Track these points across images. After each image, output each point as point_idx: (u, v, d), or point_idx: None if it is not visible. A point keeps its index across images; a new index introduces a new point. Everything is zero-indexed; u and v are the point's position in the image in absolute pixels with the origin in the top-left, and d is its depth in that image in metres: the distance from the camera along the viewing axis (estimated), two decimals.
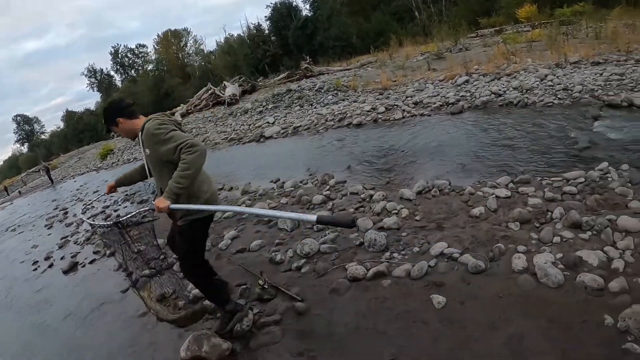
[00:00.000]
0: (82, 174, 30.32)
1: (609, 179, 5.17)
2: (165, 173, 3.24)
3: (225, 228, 6.76)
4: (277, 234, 5.81)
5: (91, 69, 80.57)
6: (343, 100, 14.98)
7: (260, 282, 4.43)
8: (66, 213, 15.70)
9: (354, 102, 14.11)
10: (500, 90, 10.45)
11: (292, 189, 7.55)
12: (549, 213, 4.53)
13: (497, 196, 5.14)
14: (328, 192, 6.81)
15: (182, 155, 3.02)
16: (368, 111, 12.19)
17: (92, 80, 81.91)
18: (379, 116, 11.47)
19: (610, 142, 6.55)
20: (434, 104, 11.12)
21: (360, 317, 3.64)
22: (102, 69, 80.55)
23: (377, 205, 5.56)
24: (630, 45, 11.71)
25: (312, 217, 2.59)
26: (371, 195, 6.05)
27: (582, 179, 5.23)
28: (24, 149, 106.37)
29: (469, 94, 11.06)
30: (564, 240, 4.02)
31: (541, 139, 7.11)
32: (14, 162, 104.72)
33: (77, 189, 21.64)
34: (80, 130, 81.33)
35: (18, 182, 59.06)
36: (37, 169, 56.73)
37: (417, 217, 5.07)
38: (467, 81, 12.24)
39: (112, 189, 4.06)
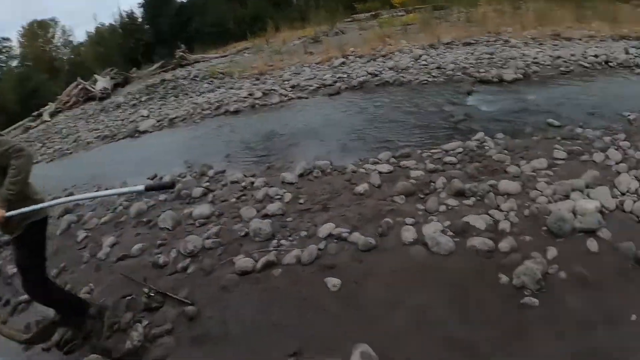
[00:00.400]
0: None
1: (486, 148, 5.56)
2: None
3: (103, 235, 6.11)
4: (159, 234, 5.39)
5: None
6: (219, 87, 14.41)
7: (145, 290, 4.10)
8: None
9: (231, 89, 13.62)
10: (376, 70, 10.75)
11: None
12: (432, 184, 4.75)
13: (379, 172, 5.26)
14: (207, 183, 6.49)
15: (12, 161, 2.94)
16: (245, 97, 11.83)
17: None
18: (257, 102, 11.17)
19: (484, 114, 7.06)
20: (312, 86, 11.10)
21: (255, 312, 3.52)
22: None
23: (259, 193, 5.40)
24: (499, 27, 12.66)
25: (140, 187, 2.90)
26: (252, 183, 5.87)
27: (461, 149, 5.55)
28: None
29: (345, 76, 11.23)
30: (450, 208, 4.21)
31: (418, 114, 7.46)
32: None
33: None
34: None
35: None
36: None
37: (301, 201, 5.00)
38: (343, 63, 12.44)
39: None
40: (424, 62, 10.60)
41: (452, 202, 4.29)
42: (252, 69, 15.38)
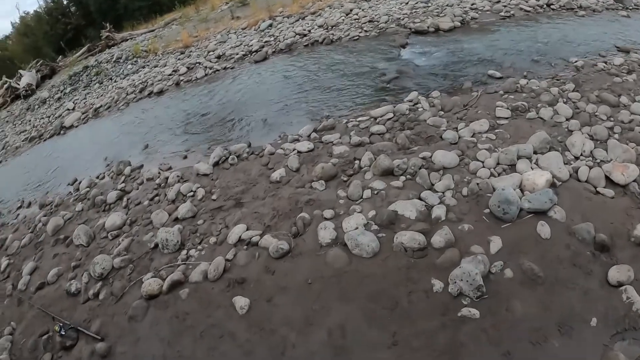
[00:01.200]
0: None
1: (420, 110, 4.93)
2: None
3: (24, 260, 5.59)
4: (74, 252, 4.91)
5: None
6: (144, 67, 13.24)
7: (56, 328, 3.69)
8: None
9: (155, 67, 12.55)
10: (304, 30, 9.92)
11: (88, 189, 6.45)
12: (357, 162, 4.19)
13: (298, 151, 4.71)
14: (123, 184, 5.89)
15: None
16: (169, 75, 10.88)
17: None
18: (181, 78, 10.26)
19: (418, 70, 6.43)
20: (237, 54, 10.23)
21: (165, 346, 3.12)
22: None
23: (172, 191, 4.87)
24: None
25: None
26: (167, 179, 5.30)
27: (391, 114, 4.94)
28: None
29: (273, 39, 10.35)
30: (376, 193, 3.66)
31: (347, 76, 6.78)
32: None
33: None
34: None
35: None
36: None
37: (214, 196, 4.50)
38: (270, 25, 11.48)
39: None
40: (355, 17, 9.82)
41: (378, 184, 3.73)
42: (176, 42, 14.16)
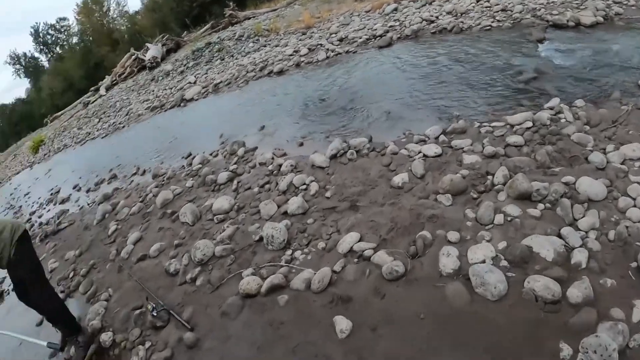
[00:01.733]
0: (18, 172, 28.51)
1: (563, 121, 4.21)
2: None
3: (131, 227, 5.93)
4: (178, 230, 5.00)
5: (13, 55, 74.40)
6: (265, 46, 13.54)
7: (149, 307, 3.73)
8: None
9: (276, 46, 12.74)
10: (432, 16, 9.32)
11: (200, 165, 6.64)
12: (490, 177, 3.64)
13: (425, 155, 4.24)
14: (235, 165, 5.91)
15: None
16: (290, 55, 10.94)
17: (17, 66, 76.18)
18: (302, 59, 10.23)
19: (559, 70, 5.61)
20: (360, 38, 9.92)
21: (254, 351, 2.94)
22: (25, 53, 74.68)
23: (284, 181, 4.70)
24: None
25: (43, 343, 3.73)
26: (280, 166, 5.17)
27: (530, 123, 4.22)
28: None
29: (398, 24, 9.89)
30: (509, 219, 3.13)
31: (479, 70, 6.11)
32: None
33: (11, 194, 20.21)
34: (16, 122, 76.95)
35: None
36: None
37: (328, 194, 4.21)
38: (395, 9, 11.05)
39: None
40: (486, 4, 9.04)
41: (512, 209, 3.19)
42: (298, 22, 14.26)
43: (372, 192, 3.99)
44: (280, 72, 10.05)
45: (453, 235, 3.07)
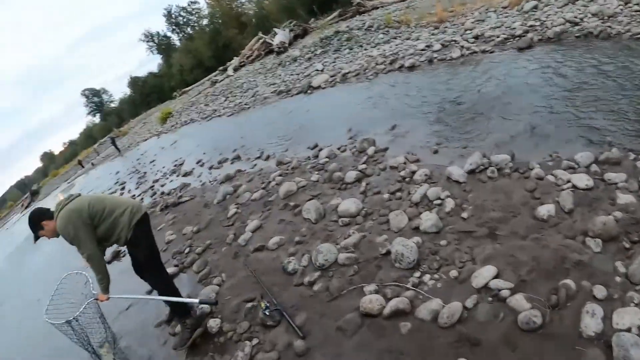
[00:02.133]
0: (146, 139, 31.01)
1: None
2: None
3: (251, 214, 6.13)
4: (300, 226, 5.02)
5: (148, 34, 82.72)
6: (395, 38, 13.24)
7: (262, 305, 3.77)
8: (123, 188, 15.98)
9: (407, 39, 12.37)
10: (576, 17, 8.39)
11: (327, 159, 6.62)
12: None
13: (574, 186, 3.75)
14: (364, 165, 5.78)
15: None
16: (422, 50, 10.52)
17: (151, 44, 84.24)
18: (434, 55, 9.79)
19: None
20: (498, 37, 9.24)
21: None
22: (158, 32, 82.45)
23: (417, 192, 4.45)
24: None
25: (195, 300, 3.97)
26: (413, 173, 4.93)
27: None
28: (97, 119, 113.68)
29: (538, 23, 9.04)
30: None
31: (632, 89, 5.39)
32: (89, 132, 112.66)
33: (138, 159, 22.00)
34: (147, 93, 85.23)
35: (92, 153, 62.58)
36: (105, 140, 59.57)
37: (465, 214, 3.90)
38: (535, 7, 10.16)
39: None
40: (636, 7, 7.84)
41: None
42: (430, 15, 13.70)
43: (514, 221, 3.63)
44: (412, 68, 9.75)
45: (599, 291, 2.68)
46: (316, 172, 6.33)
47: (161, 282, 4.11)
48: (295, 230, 4.96)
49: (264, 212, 5.92)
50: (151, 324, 4.96)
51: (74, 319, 4.06)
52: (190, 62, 64.69)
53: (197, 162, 11.75)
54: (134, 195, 13.16)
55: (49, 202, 38.22)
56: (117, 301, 5.40)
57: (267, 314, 3.67)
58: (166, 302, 4.20)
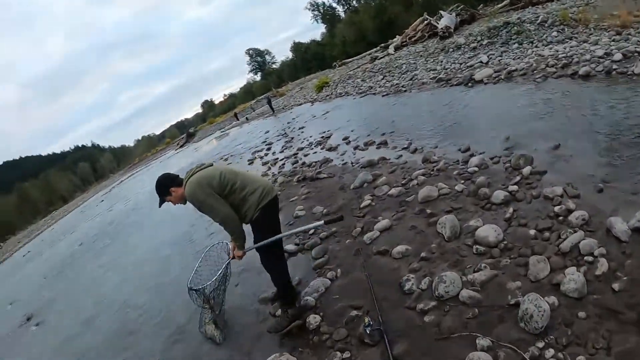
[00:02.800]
0: (299, 104, 31.92)
1: None
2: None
3: (384, 210, 5.88)
4: (432, 239, 4.62)
5: (314, 2, 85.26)
6: (570, 39, 11.53)
7: (366, 320, 3.62)
8: (269, 149, 16.62)
9: (584, 42, 10.63)
10: None
11: (476, 169, 5.97)
12: None
13: None
14: (516, 186, 5.04)
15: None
16: (600, 57, 8.93)
17: (316, 13, 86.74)
18: (614, 66, 8.20)
19: None
20: None
21: None
22: (324, 2, 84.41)
23: (569, 238, 3.71)
24: None
25: (320, 222, 4.09)
26: (569, 212, 4.14)
27: None
28: (257, 77, 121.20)
29: None
30: None
31: None
32: (249, 89, 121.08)
33: (289, 122, 22.72)
34: (308, 59, 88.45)
35: (248, 108, 66.79)
36: (262, 98, 62.87)
37: (617, 285, 3.12)
38: None
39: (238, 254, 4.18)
40: None
41: None
42: (612, 17, 11.49)
43: None
44: (586, 77, 8.36)
45: None
46: (462, 181, 5.77)
47: (274, 269, 4.10)
48: (424, 243, 4.60)
49: (397, 212, 5.61)
50: (256, 297, 5.09)
51: (205, 287, 4.33)
52: (353, 34, 65.51)
53: (344, 139, 11.72)
54: (277, 158, 13.64)
55: (203, 145, 41.72)
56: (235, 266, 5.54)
57: (368, 331, 3.50)
58: (275, 282, 4.16)
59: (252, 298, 5.13)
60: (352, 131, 12.40)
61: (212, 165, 3.97)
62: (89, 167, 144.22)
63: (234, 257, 4.15)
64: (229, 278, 4.85)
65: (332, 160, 10.10)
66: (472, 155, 6.52)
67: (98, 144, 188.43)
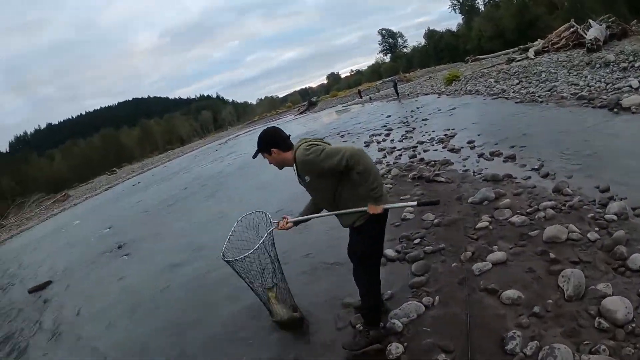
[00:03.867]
0: (426, 94, 30.69)
1: None
2: (324, 193, 3.41)
3: (501, 239, 5.03)
4: (550, 293, 3.74)
5: None
6: None
7: None
8: (388, 135, 16.03)
9: None
10: None
11: (615, 218, 4.78)
12: None
13: None
14: None
15: (353, 166, 3.03)
16: None
17: (455, 2, 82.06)
18: None
19: None
20: None
21: None
22: None
23: None
24: None
25: (413, 202, 3.71)
26: None
27: None
28: (387, 59, 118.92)
29: None
30: None
31: None
32: (377, 68, 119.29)
33: (412, 111, 21.86)
34: (440, 49, 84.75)
35: (372, 88, 65.78)
36: (389, 80, 61.49)
37: None
38: None
39: (286, 226, 3.81)
40: None
41: None
42: None
43: None
44: None
45: None
46: (596, 228, 4.68)
47: (365, 283, 3.60)
48: (540, 295, 3.76)
49: (516, 245, 4.74)
50: (340, 298, 4.67)
51: (246, 255, 3.85)
52: (491, 30, 61.63)
53: (468, 142, 10.73)
54: (394, 147, 13.03)
55: (322, 116, 41.80)
56: (322, 255, 5.07)
57: None
58: (362, 300, 3.69)
59: (336, 299, 4.73)
60: (478, 135, 11.33)
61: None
62: (210, 116, 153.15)
63: (284, 228, 3.77)
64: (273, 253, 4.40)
65: (452, 163, 9.26)
66: (611, 199, 5.34)
67: (222, 97, 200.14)
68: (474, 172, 8.08)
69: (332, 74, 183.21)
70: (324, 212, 3.75)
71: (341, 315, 4.41)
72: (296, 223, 3.82)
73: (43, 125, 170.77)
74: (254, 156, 3.59)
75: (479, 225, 5.49)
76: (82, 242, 16.11)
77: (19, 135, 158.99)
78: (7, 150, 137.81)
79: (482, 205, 6.18)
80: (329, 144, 3.39)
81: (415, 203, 3.66)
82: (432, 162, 9.65)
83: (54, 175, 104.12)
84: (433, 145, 11.84)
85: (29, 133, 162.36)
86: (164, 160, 55.79)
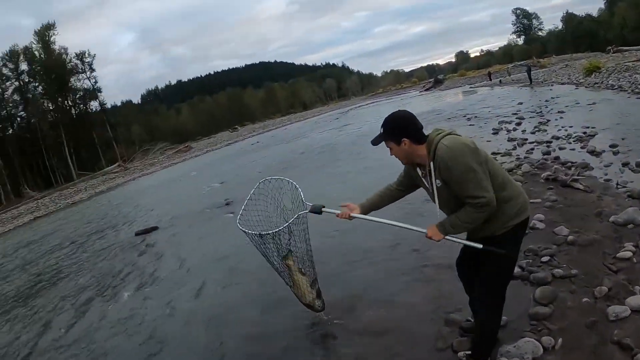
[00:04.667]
0: (562, 83, 27.92)
1: None
2: (452, 204, 2.72)
3: None
4: None
5: None
6: None
7: None
8: (519, 124, 14.90)
9: None
10: None
11: None
12: None
13: None
14: None
15: (469, 208, 2.56)
16: None
17: None
18: None
19: None
20: None
21: None
22: None
23: None
24: None
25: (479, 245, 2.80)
26: None
27: None
28: (520, 41, 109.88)
29: None
30: None
31: None
32: (508, 50, 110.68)
33: (546, 100, 19.94)
34: (578, 35, 76.52)
35: (503, 71, 61.50)
36: (521, 64, 57.10)
37: None
38: None
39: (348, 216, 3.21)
40: None
41: None
42: None
43: None
44: None
45: None
46: None
47: (488, 308, 2.98)
48: None
49: None
50: (446, 312, 4.16)
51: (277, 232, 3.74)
52: (636, 18, 54.00)
53: (611, 146, 9.17)
54: (526, 139, 11.90)
55: (448, 96, 39.72)
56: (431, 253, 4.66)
57: None
58: (480, 322, 3.09)
59: (441, 310, 4.19)
60: (622, 139, 9.71)
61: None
62: (334, 84, 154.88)
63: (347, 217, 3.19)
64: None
65: (592, 168, 7.95)
66: None
67: (348, 66, 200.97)
68: (617, 184, 6.84)
69: (461, 52, 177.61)
70: (390, 220, 3.17)
71: (443, 333, 3.85)
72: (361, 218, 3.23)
73: (173, 82, 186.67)
74: (375, 142, 2.88)
75: (621, 254, 4.45)
76: (194, 193, 17.20)
77: (150, 89, 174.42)
78: (139, 102, 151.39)
79: (626, 228, 5.11)
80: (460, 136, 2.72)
81: (480, 246, 2.75)
82: (569, 164, 8.47)
83: (179, 128, 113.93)
84: (570, 143, 10.48)
85: (159, 88, 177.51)
86: (285, 123, 57.73)
